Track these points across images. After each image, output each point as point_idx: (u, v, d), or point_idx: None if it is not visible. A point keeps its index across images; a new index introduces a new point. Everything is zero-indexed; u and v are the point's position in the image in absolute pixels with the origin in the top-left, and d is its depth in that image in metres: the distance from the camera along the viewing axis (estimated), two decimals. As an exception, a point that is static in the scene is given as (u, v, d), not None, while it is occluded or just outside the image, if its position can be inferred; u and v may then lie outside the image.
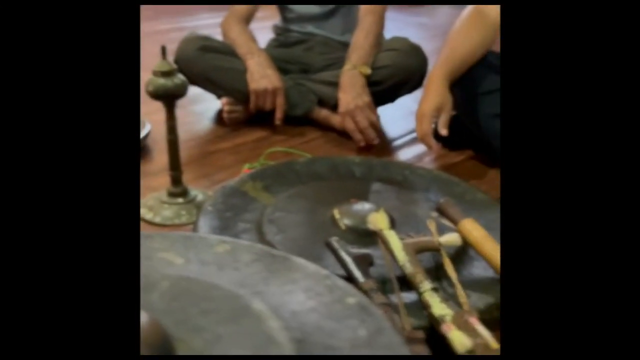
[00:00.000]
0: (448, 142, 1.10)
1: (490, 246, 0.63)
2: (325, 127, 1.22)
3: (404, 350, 0.36)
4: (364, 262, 0.57)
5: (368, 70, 1.13)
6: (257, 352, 0.34)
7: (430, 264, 0.65)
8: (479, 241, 0.64)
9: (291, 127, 1.21)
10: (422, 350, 0.49)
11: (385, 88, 1.16)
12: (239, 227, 0.71)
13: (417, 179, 0.87)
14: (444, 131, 0.99)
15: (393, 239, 0.62)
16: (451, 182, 0.86)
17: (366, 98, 1.10)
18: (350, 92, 1.11)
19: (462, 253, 0.68)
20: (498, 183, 0.99)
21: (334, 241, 0.59)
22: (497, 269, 0.62)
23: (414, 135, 1.05)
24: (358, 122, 1.09)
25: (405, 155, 1.13)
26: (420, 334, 0.51)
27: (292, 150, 1.05)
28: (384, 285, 0.61)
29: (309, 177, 0.86)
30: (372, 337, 0.37)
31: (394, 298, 0.57)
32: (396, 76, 1.15)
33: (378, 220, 0.65)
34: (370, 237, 0.67)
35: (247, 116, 1.22)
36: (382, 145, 1.15)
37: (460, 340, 0.51)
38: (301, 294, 0.40)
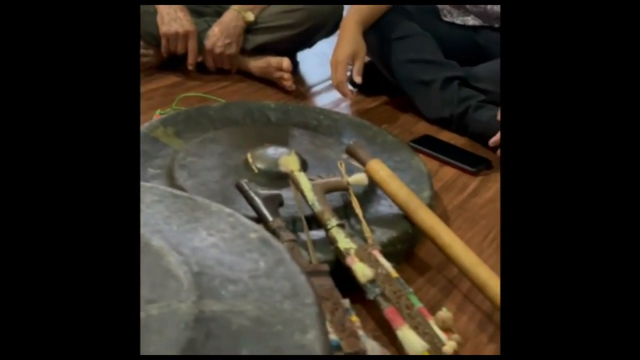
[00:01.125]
0: (363, 88, 1.13)
1: (395, 185, 0.67)
2: (242, 73, 1.20)
3: (302, 279, 0.38)
4: (273, 203, 0.58)
5: (251, 17, 1.14)
6: (155, 286, 0.34)
7: (339, 203, 0.67)
8: (385, 180, 0.67)
9: (206, 73, 1.19)
10: (326, 281, 0.52)
11: (300, 32, 1.16)
12: (148, 173, 0.70)
13: (331, 123, 0.89)
14: (358, 78, 1.01)
15: (303, 180, 0.64)
16: (363, 126, 0.89)
17: (232, 49, 1.14)
18: (222, 33, 1.13)
19: (370, 192, 0.71)
20: (410, 126, 1.04)
21: (244, 183, 0.60)
22: (401, 206, 0.65)
23: (331, 82, 1.06)
24: (216, 63, 1.17)
25: (322, 101, 1.14)
26: (325, 267, 0.54)
27: (207, 96, 1.03)
28: (294, 224, 0.63)
29: (223, 123, 0.85)
30: (271, 268, 0.39)
31: (304, 236, 0.59)
32: (311, 19, 1.15)
33: (289, 163, 0.66)
34: (283, 179, 0.68)
35: (159, 61, 1.18)
36: (299, 92, 1.15)
37: (362, 271, 0.54)
38: (203, 231, 0.40)
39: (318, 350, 0.32)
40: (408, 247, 0.65)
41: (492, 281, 0.56)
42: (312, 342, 0.33)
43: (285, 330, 0.34)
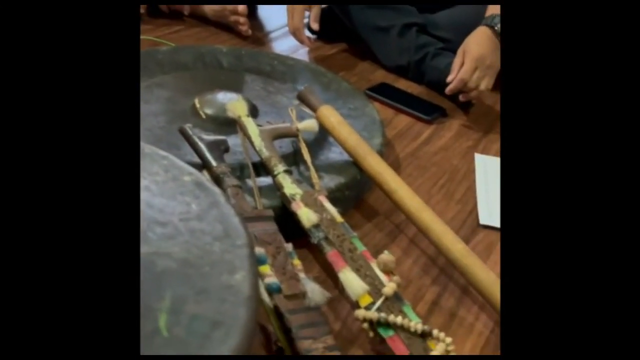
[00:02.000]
0: (321, 35, 1.10)
1: (345, 131, 0.66)
2: (197, 17, 1.15)
3: (235, 221, 0.38)
4: (218, 148, 0.57)
5: None
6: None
7: (289, 149, 0.67)
8: (335, 127, 0.66)
9: (159, 17, 1.13)
10: (270, 226, 0.52)
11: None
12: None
13: (285, 69, 0.87)
14: (315, 25, 0.98)
15: (250, 125, 0.62)
16: (318, 72, 0.87)
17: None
18: None
19: (321, 139, 0.70)
20: (367, 74, 1.02)
21: (188, 128, 0.58)
22: (350, 152, 0.65)
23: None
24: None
25: (279, 47, 1.10)
26: (269, 212, 0.54)
27: (158, 40, 0.99)
28: (242, 171, 0.62)
29: (172, 67, 0.82)
30: (204, 211, 0.38)
31: (251, 182, 0.59)
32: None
33: (237, 108, 0.64)
34: (231, 126, 0.66)
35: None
36: (256, 38, 1.12)
37: (306, 216, 0.54)
38: (134, 174, 0.39)
39: (245, 291, 0.32)
40: (357, 193, 0.66)
41: (435, 225, 0.57)
42: (239, 283, 0.33)
43: (213, 272, 0.33)
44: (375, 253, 0.54)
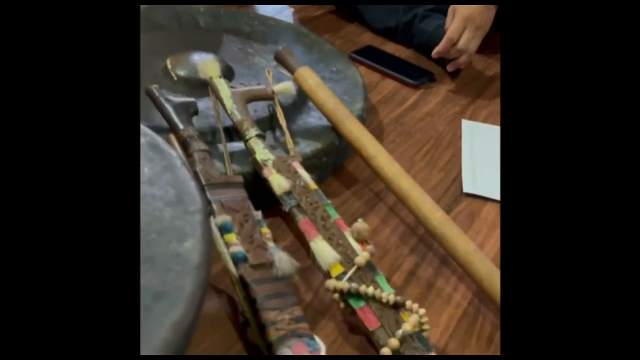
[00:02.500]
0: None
1: (323, 94, 0.63)
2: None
3: (191, 186, 0.35)
4: (186, 110, 0.54)
5: None
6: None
7: (265, 113, 0.64)
8: (313, 89, 0.63)
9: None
10: (238, 193, 0.49)
11: None
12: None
13: (266, 30, 0.83)
14: None
15: (222, 87, 0.59)
16: (301, 34, 0.83)
17: None
18: None
19: (300, 102, 0.67)
20: (354, 37, 0.98)
21: (154, 89, 0.55)
22: (328, 117, 0.62)
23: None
24: None
25: (263, 8, 1.06)
26: (238, 178, 0.51)
27: None
28: (214, 135, 0.59)
29: (146, 27, 0.77)
30: (157, 174, 0.35)
31: (222, 148, 0.56)
32: None
33: (208, 68, 0.61)
34: (204, 88, 0.63)
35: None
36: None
37: (278, 182, 0.51)
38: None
39: (194, 260, 0.30)
40: (335, 160, 0.63)
41: (414, 192, 0.54)
42: (188, 251, 0.30)
43: (160, 239, 0.31)
44: (353, 222, 0.52)
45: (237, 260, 0.44)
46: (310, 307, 0.48)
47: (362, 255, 0.47)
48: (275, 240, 0.52)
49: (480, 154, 0.71)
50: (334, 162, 0.63)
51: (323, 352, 0.41)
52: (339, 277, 0.46)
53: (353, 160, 0.66)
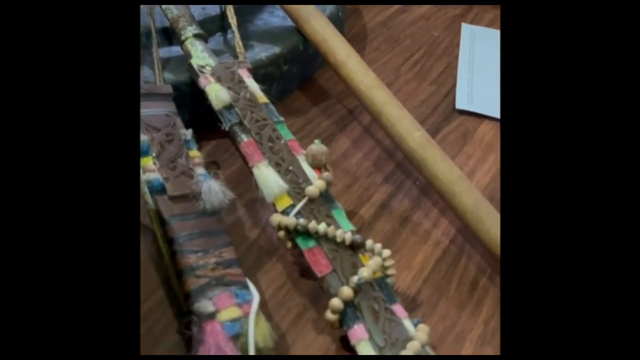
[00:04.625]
0: None
1: (286, -13, 0.51)
2: None
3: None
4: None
5: None
6: None
7: (216, 11, 0.52)
8: (273, -20, 0.51)
9: None
10: (164, 106, 0.39)
11: None
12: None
13: None
14: None
15: (158, -23, 0.48)
16: None
17: None
18: None
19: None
20: None
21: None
22: (291, 15, 0.51)
23: None
24: None
25: None
26: (166, 88, 0.41)
27: None
28: (148, 37, 0.48)
29: None
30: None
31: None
32: None
33: (142, -45, 0.49)
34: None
35: None
36: None
37: (216, 93, 0.41)
38: None
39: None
40: (300, 69, 0.52)
41: (389, 107, 0.44)
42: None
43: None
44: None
45: (153, 190, 0.35)
46: (254, 246, 0.40)
47: (315, 184, 0.38)
48: (218, 167, 0.44)
49: (481, 64, 0.59)
50: (300, 73, 0.52)
51: (256, 303, 0.32)
52: (286, 212, 0.37)
53: (326, 72, 0.55)
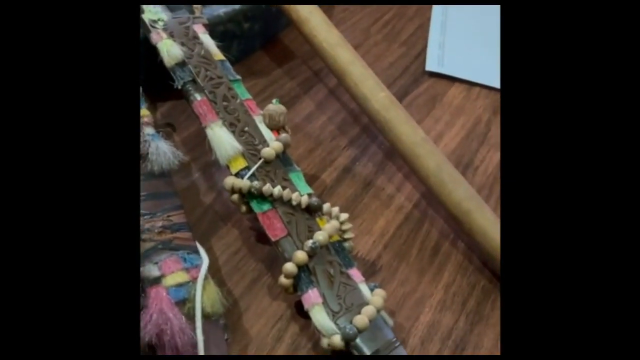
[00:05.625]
0: None
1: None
2: None
3: None
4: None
5: None
6: None
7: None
8: None
9: None
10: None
11: None
12: None
13: None
14: None
15: None
16: None
17: None
18: None
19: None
20: None
21: None
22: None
23: None
24: None
25: None
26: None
27: None
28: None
29: None
30: None
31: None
32: None
33: None
34: None
35: None
36: None
37: (168, 49, 0.39)
38: None
39: None
40: (263, 28, 0.50)
41: (353, 67, 0.42)
42: None
43: None
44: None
45: (97, 150, 0.33)
46: (209, 211, 0.38)
47: (272, 145, 0.36)
48: (174, 129, 0.42)
49: (454, 25, 0.58)
50: (262, 32, 0.50)
51: (205, 267, 0.31)
52: (240, 174, 0.35)
53: (291, 32, 0.53)
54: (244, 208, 0.35)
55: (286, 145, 0.37)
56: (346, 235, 0.35)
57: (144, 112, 0.36)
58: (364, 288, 0.33)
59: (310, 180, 0.39)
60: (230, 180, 0.35)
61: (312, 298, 0.32)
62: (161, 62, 0.39)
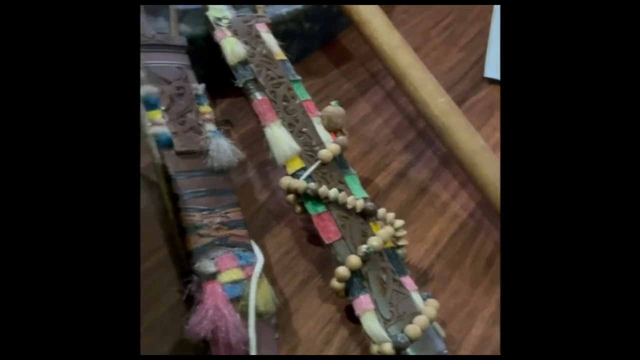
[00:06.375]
0: None
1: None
2: None
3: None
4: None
5: None
6: None
7: (238, -35, 0.50)
8: None
9: None
10: (176, 59, 0.38)
11: None
12: None
13: None
14: None
15: None
16: None
17: None
18: None
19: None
20: None
21: None
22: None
23: None
24: None
25: None
26: (180, 40, 0.39)
27: None
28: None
29: None
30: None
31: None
32: None
33: None
34: None
35: None
36: None
37: (231, 48, 0.39)
38: None
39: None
40: (323, 28, 0.50)
41: (414, 70, 0.42)
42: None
43: None
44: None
45: (161, 144, 0.34)
46: (263, 209, 0.38)
47: (329, 147, 0.36)
48: (232, 126, 0.42)
49: (516, 32, 0.56)
50: (322, 32, 0.50)
51: (260, 266, 0.31)
52: (296, 175, 0.36)
53: (350, 33, 0.52)
54: (298, 209, 0.35)
55: (343, 148, 0.37)
56: (400, 242, 0.34)
57: (206, 109, 0.37)
58: (416, 297, 0.33)
59: (364, 183, 0.38)
60: (286, 181, 0.35)
61: (364, 304, 0.31)
62: (223, 59, 0.40)
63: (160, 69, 0.37)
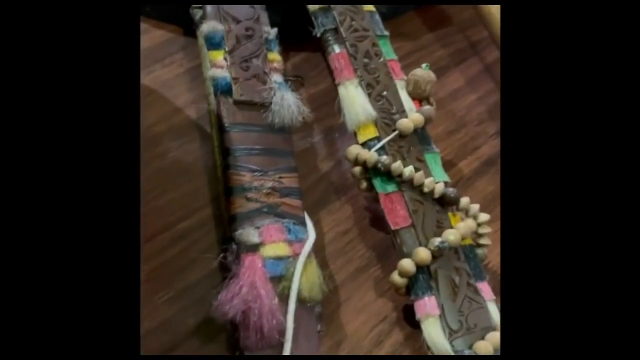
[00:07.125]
0: None
1: None
2: None
3: None
4: None
5: None
6: None
7: None
8: None
9: None
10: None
11: None
12: None
13: None
14: None
15: None
16: None
17: None
18: None
19: None
20: None
21: None
22: None
23: None
24: None
25: None
26: None
27: None
28: None
29: None
30: None
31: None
32: None
33: None
34: None
35: None
36: None
37: (312, -8, 0.34)
38: None
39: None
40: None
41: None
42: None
43: None
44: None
45: (218, 89, 0.30)
46: (324, 180, 0.33)
47: (411, 117, 0.30)
48: (302, 83, 0.38)
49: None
50: (420, -10, 0.44)
51: (310, 244, 0.27)
52: (368, 144, 0.30)
53: (451, -6, 0.46)
54: (364, 184, 0.30)
55: (428, 120, 0.31)
56: (481, 241, 0.29)
57: (275, 56, 0.32)
58: (492, 308, 0.27)
59: (446, 166, 0.33)
60: (354, 150, 0.30)
61: (427, 307, 0.26)
62: (303, 4, 0.35)
63: (230, 6, 0.32)
